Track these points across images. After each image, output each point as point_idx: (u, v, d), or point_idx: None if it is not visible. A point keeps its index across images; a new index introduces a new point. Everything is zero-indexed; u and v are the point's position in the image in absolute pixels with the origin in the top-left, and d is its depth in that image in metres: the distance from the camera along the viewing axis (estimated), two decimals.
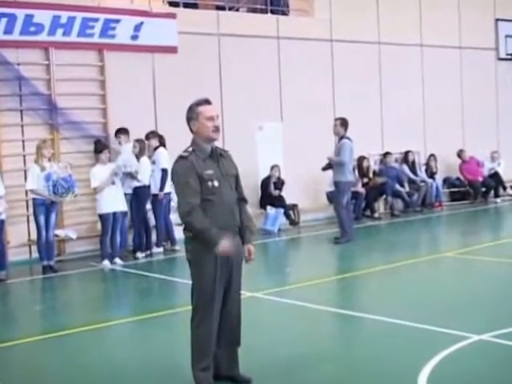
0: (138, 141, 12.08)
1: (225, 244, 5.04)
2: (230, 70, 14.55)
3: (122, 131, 12.28)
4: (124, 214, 11.63)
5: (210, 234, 5.05)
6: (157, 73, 13.65)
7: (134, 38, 13.23)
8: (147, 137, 12.37)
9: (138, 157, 11.93)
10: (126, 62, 13.15)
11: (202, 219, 5.07)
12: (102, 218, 11.38)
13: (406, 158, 17.17)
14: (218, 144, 5.46)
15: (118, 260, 11.47)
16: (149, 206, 12.44)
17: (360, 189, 15.62)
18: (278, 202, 14.67)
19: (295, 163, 15.21)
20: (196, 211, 5.07)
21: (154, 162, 12.24)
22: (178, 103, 12.16)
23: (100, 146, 11.84)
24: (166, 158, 12.02)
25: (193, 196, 5.09)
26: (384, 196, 16.50)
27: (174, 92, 13.46)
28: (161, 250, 12.41)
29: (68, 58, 12.53)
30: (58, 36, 12.42)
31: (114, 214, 11.39)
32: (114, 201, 11.37)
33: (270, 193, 14.66)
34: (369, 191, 15.91)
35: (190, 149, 5.26)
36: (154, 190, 12.17)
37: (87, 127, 12.66)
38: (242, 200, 5.47)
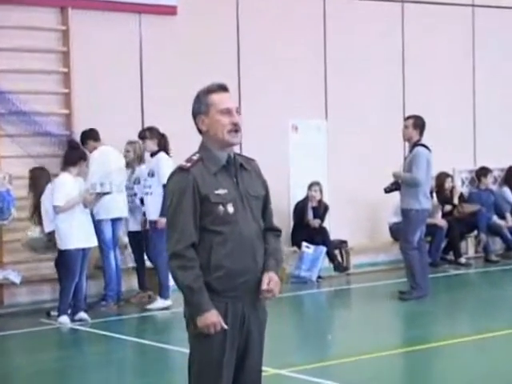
0: (131, 143, 12.25)
1: (209, 319, 5.07)
2: (253, 42, 14.68)
3: (89, 135, 12.38)
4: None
5: (195, 298, 5.09)
6: (146, 43, 13.80)
7: None
8: (141, 136, 12.41)
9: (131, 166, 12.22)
10: (101, 27, 13.31)
11: (190, 272, 5.08)
12: (67, 255, 11.40)
13: (508, 177, 17.21)
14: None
15: (83, 315, 11.54)
16: (126, 239, 12.63)
17: (440, 221, 15.69)
18: (319, 236, 14.73)
19: (344, 180, 15.30)
20: (184, 258, 5.09)
21: (152, 174, 12.27)
22: (177, 88, 12.41)
23: (74, 156, 11.74)
24: (169, 167, 12.09)
25: (185, 230, 5.12)
26: (475, 232, 16.54)
27: (170, 72, 13.65)
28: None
29: (15, 18, 12.73)
30: None
31: (83, 250, 11.50)
32: (85, 232, 11.49)
33: (308, 223, 14.75)
34: (453, 225, 15.95)
35: (196, 156, 5.29)
36: (152, 214, 12.09)
37: (41, 120, 12.84)
38: (270, 231, 5.46)
